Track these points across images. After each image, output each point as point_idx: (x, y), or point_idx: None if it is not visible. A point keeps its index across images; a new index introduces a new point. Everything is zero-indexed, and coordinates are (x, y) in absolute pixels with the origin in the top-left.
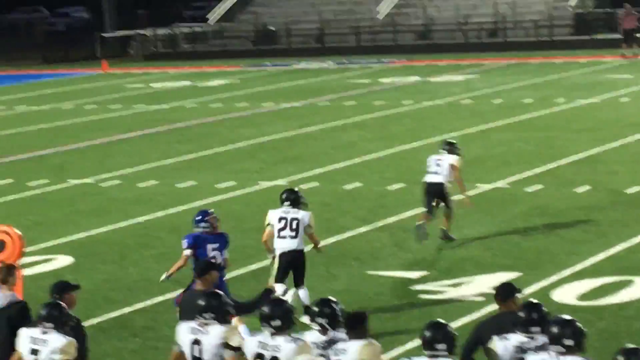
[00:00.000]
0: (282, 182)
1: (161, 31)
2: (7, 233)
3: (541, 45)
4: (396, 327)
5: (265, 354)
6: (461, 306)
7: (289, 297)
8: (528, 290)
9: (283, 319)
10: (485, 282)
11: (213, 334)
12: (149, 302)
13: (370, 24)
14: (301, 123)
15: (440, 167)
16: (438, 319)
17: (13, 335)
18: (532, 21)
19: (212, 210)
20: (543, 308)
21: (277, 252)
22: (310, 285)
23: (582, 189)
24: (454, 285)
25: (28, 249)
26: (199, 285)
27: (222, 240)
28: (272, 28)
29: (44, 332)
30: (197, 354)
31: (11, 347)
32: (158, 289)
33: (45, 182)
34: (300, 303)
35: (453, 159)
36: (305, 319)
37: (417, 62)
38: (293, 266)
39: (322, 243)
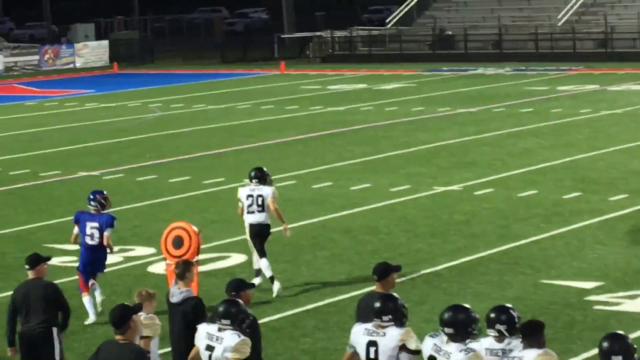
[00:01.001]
0: (456, 187)
1: (339, 34)
2: (185, 230)
3: None
4: (569, 337)
5: (437, 357)
6: (637, 318)
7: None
8: None
9: (458, 329)
10: None
11: (390, 336)
12: (320, 303)
13: (549, 30)
14: (477, 129)
15: None
16: (615, 330)
17: (188, 329)
18: None
19: (105, 191)
20: None
21: (246, 224)
22: (483, 292)
23: None
24: (630, 297)
25: (203, 246)
26: (377, 288)
27: (102, 220)
28: (450, 33)
29: (220, 329)
30: (372, 356)
31: (186, 342)
32: (330, 290)
33: (221, 180)
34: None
35: None
36: (275, 287)
37: (596, 70)
38: (259, 237)
39: (493, 250)
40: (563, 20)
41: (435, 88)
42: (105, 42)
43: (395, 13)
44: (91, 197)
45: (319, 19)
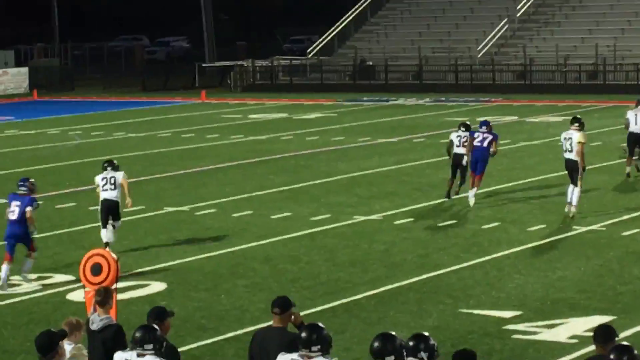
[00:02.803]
0: (376, 216)
1: (260, 63)
2: (104, 257)
3: None
4: None
5: None
6: (555, 348)
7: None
8: (622, 335)
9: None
10: (580, 325)
11: None
12: (240, 331)
13: (469, 62)
14: (397, 159)
15: (570, 145)
16: None
17: (108, 357)
18: (633, 64)
19: (32, 179)
20: (634, 351)
21: (100, 200)
22: (402, 321)
23: None
24: (548, 327)
25: (122, 274)
26: (276, 322)
27: (25, 200)
28: (370, 63)
29: (140, 355)
30: None
31: None
32: (250, 319)
33: (141, 209)
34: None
35: (579, 135)
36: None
37: (515, 101)
38: (111, 210)
39: (412, 279)
40: (482, 52)
41: (356, 118)
42: (25, 69)
43: (317, 43)
44: (20, 183)
45: (240, 48)
